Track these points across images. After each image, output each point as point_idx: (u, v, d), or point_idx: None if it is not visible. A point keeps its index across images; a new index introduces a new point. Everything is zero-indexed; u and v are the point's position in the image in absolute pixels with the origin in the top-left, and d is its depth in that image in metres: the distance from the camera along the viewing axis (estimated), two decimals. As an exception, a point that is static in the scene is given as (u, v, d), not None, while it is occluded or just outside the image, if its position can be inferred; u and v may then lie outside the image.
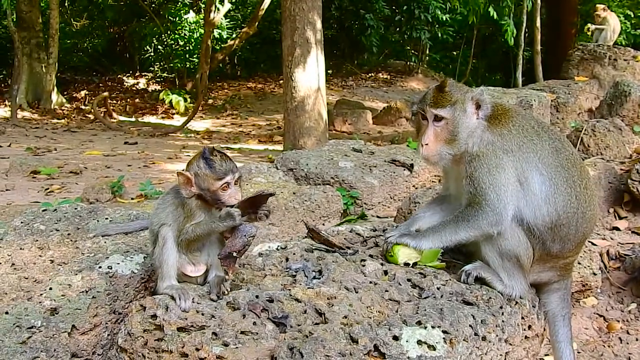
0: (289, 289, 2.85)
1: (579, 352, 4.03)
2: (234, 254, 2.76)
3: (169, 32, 23.46)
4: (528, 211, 2.87)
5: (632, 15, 22.74)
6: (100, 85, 23.33)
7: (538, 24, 18.61)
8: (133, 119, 18.92)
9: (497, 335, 2.74)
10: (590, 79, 11.34)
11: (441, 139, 2.95)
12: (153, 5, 24.20)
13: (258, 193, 2.96)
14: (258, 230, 2.84)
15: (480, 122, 2.96)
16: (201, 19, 21.48)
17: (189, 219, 2.88)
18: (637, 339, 4.14)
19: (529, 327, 3.04)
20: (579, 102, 10.46)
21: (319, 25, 11.26)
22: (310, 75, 11.14)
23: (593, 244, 4.63)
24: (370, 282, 2.93)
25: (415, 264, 3.05)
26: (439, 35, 22.26)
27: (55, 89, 19.37)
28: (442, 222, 3.03)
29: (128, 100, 21.58)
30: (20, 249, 3.49)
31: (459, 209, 2.97)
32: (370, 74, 24.35)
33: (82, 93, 21.71)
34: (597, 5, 12.51)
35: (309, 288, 2.85)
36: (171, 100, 19.31)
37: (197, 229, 2.85)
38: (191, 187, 2.84)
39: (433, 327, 2.59)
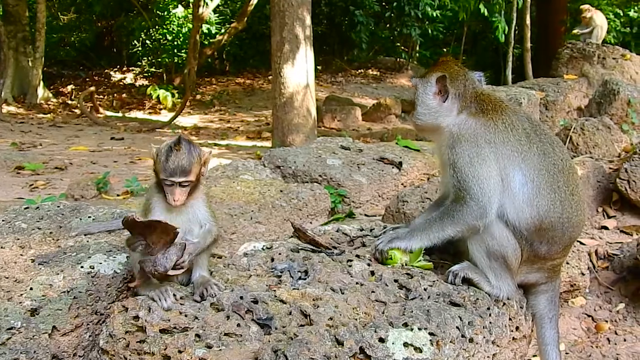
0: (274, 290, 2.80)
1: (567, 353, 4.02)
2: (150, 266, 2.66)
3: (157, 27, 23.25)
4: (511, 211, 2.84)
5: (622, 14, 22.83)
6: (87, 80, 23.12)
7: (528, 21, 18.63)
8: (120, 114, 18.77)
9: (484, 337, 2.70)
10: (580, 77, 11.37)
11: (415, 105, 3.13)
12: (141, -1, 24.01)
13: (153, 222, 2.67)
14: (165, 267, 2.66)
15: (445, 106, 2.99)
16: (190, 14, 21.34)
17: (147, 210, 2.88)
18: (625, 339, 4.13)
19: (517, 328, 3.00)
20: (568, 101, 10.47)
21: (308, 21, 11.20)
22: (299, 72, 11.07)
23: (582, 243, 4.61)
24: (357, 283, 2.89)
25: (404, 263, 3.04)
26: (429, 31, 22.29)
27: (42, 83, 19.19)
28: (428, 219, 3.01)
29: (115, 95, 21.39)
30: (1, 247, 3.42)
31: (446, 204, 2.95)
32: (359, 71, 24.30)
33: (69, 88, 21.49)
34: (582, 7, 12.46)
35: (294, 289, 2.81)
36: (159, 95, 19.25)
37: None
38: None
39: (419, 328, 2.55)
